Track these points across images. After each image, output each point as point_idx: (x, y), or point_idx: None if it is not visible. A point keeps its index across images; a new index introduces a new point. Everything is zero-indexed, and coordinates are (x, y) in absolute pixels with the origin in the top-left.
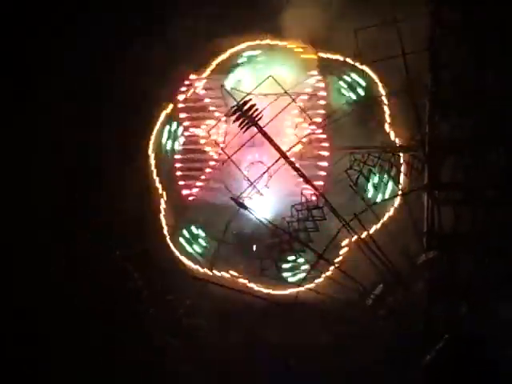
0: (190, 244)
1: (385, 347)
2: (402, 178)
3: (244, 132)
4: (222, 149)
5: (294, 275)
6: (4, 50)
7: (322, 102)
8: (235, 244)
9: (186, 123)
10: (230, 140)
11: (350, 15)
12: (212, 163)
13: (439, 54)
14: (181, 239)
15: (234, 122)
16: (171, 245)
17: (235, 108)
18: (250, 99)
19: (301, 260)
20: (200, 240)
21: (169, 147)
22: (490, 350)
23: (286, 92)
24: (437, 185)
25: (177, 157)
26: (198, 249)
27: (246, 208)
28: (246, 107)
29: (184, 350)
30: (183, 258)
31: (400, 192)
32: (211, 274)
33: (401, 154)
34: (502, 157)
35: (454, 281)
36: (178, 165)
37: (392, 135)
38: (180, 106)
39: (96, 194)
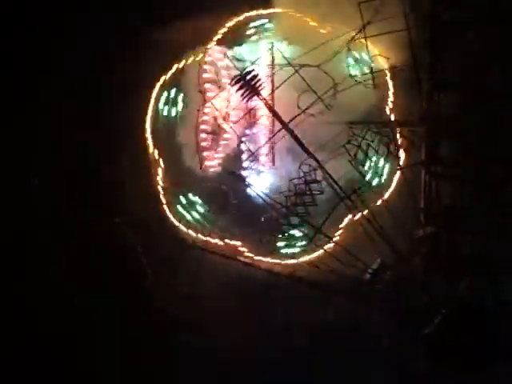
0: (188, 211)
1: (384, 323)
2: (400, 153)
3: (247, 102)
4: (223, 118)
5: (290, 248)
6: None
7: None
8: (234, 214)
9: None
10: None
11: None
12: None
13: (439, 32)
14: (178, 207)
15: (237, 91)
16: (168, 212)
17: (238, 78)
18: (253, 69)
19: (298, 234)
20: (198, 207)
21: (166, 113)
22: (490, 323)
23: (289, 63)
24: (434, 160)
25: (202, 127)
26: (196, 215)
27: (244, 180)
28: (248, 77)
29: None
30: (182, 227)
31: (398, 167)
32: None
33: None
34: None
35: (452, 256)
36: (202, 135)
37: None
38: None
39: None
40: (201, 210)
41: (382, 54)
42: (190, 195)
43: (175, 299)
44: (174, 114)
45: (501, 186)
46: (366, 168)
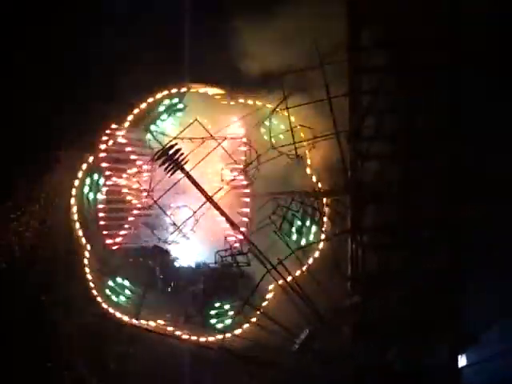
0: (116, 294)
1: None
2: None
3: (170, 176)
4: (147, 192)
5: (219, 322)
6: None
7: (243, 148)
8: (161, 290)
9: (108, 173)
10: (155, 185)
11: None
12: (135, 211)
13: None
14: (106, 290)
15: (160, 166)
16: (97, 295)
17: (160, 152)
18: (176, 143)
19: (226, 306)
20: (126, 290)
21: (91, 198)
22: None
23: (211, 136)
24: (359, 229)
25: (99, 206)
26: (123, 298)
27: (168, 254)
28: (171, 151)
29: None
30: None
31: (323, 236)
32: (137, 322)
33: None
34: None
35: (380, 324)
36: (100, 214)
37: (314, 180)
38: (101, 155)
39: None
40: (128, 292)
41: (304, 125)
42: (119, 279)
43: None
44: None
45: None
46: (291, 238)
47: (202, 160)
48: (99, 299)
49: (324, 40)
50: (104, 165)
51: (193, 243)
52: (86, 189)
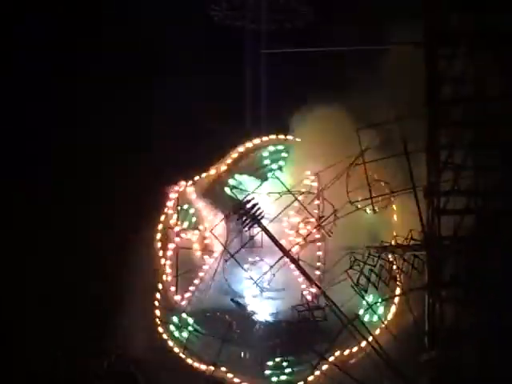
0: (179, 330)
1: None
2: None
3: (247, 230)
4: (224, 247)
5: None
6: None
7: (317, 202)
8: (238, 344)
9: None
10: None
11: None
12: (205, 267)
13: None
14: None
15: (238, 219)
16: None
17: (238, 207)
18: (253, 198)
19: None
20: (189, 327)
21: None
22: None
23: (288, 190)
24: (438, 284)
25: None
26: (185, 335)
27: (244, 308)
28: (248, 206)
29: None
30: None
31: (401, 291)
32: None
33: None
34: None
35: (459, 379)
36: (168, 270)
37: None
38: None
39: None
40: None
41: (381, 179)
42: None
43: None
44: None
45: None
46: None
47: (280, 213)
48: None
49: (403, 94)
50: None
51: (269, 298)
52: None
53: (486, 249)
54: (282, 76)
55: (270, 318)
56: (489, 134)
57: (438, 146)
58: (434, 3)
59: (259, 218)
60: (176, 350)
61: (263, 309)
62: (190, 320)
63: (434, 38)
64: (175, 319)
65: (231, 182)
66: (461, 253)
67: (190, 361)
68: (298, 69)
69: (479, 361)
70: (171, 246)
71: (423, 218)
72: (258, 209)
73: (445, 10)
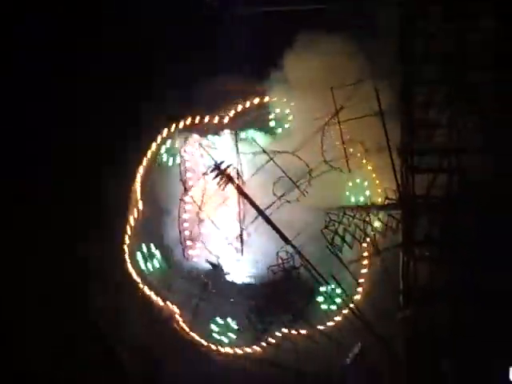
0: (145, 261)
1: None
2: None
3: (222, 190)
4: (199, 207)
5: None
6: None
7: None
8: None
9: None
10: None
11: None
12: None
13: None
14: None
15: (213, 179)
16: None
17: (214, 167)
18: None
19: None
20: (155, 260)
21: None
22: None
23: (264, 151)
24: (412, 242)
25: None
26: (150, 267)
27: (220, 269)
28: (223, 166)
29: None
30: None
31: (376, 250)
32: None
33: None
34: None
35: (433, 336)
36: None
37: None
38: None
39: None
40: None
41: (355, 139)
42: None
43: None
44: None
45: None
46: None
47: (254, 174)
48: (129, 266)
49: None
50: None
51: (245, 258)
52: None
53: (459, 207)
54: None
55: (245, 279)
56: (463, 93)
57: (412, 105)
58: None
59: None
60: (136, 278)
61: (239, 270)
62: (158, 253)
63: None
64: (144, 248)
65: (204, 142)
66: (434, 211)
67: (147, 291)
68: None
69: (453, 318)
70: None
71: (398, 177)
72: (234, 169)
73: None
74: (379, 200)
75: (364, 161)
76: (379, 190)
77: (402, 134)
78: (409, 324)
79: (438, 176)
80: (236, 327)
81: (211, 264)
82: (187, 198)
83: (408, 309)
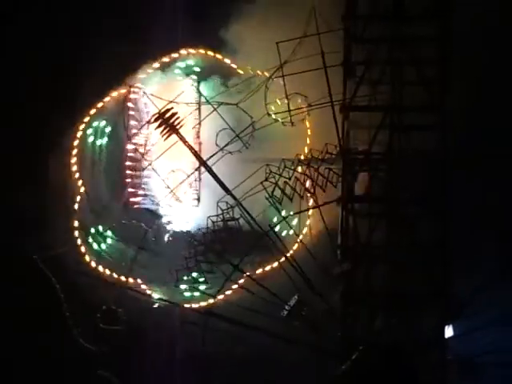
0: (98, 243)
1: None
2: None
3: (165, 139)
4: (142, 155)
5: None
6: None
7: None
8: (153, 251)
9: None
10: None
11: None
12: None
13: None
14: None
15: (156, 128)
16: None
17: (157, 115)
18: (172, 107)
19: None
20: (108, 240)
21: (96, 144)
22: (406, 358)
23: (207, 101)
24: (351, 198)
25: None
26: (104, 247)
27: (160, 218)
28: (167, 115)
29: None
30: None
31: (315, 204)
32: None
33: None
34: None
35: (369, 293)
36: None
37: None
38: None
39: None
40: (109, 241)
41: (299, 92)
42: (100, 227)
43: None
44: (99, 144)
45: (413, 223)
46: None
47: (196, 125)
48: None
49: (322, 9)
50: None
51: (186, 208)
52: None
53: (398, 164)
54: None
55: (185, 228)
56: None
57: (355, 62)
58: None
59: (178, 127)
60: (91, 261)
61: (179, 218)
62: (108, 232)
63: None
64: (93, 230)
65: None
66: (374, 167)
67: (103, 270)
68: None
69: (391, 277)
70: None
71: (339, 132)
72: (177, 118)
73: None
74: (320, 154)
75: (306, 115)
76: (320, 145)
77: (344, 89)
78: (345, 278)
79: (379, 133)
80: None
81: (151, 212)
82: (129, 146)
83: (345, 264)
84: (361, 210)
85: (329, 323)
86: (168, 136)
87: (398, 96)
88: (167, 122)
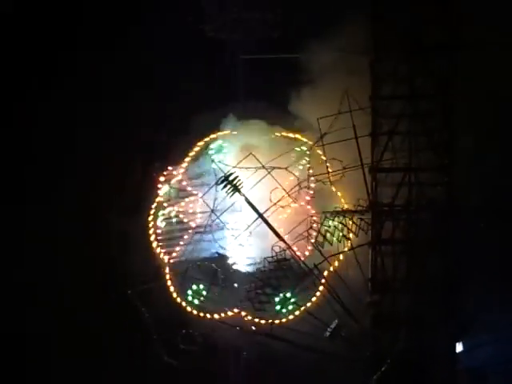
0: (197, 298)
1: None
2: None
3: (230, 197)
4: (212, 211)
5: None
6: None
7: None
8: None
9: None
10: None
11: None
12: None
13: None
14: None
15: (222, 189)
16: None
17: (222, 178)
18: (234, 172)
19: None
20: (204, 292)
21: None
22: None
23: (263, 166)
24: (379, 241)
25: (158, 231)
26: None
27: (226, 258)
28: (231, 178)
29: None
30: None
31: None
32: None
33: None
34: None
35: (394, 317)
36: (160, 237)
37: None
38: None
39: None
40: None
41: (335, 158)
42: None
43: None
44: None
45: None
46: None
47: (255, 185)
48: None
49: (353, 90)
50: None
51: (247, 251)
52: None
53: (417, 213)
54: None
55: (247, 267)
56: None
57: (380, 133)
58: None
59: (239, 187)
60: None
61: (242, 260)
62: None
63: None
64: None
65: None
66: (397, 218)
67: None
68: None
69: (412, 304)
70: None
71: (368, 188)
72: (239, 180)
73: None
74: (353, 207)
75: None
76: (352, 200)
77: (372, 155)
78: (375, 306)
79: (401, 189)
80: None
81: (220, 255)
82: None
83: (375, 294)
84: (386, 250)
85: (362, 342)
86: (232, 195)
87: (414, 159)
88: (231, 183)
